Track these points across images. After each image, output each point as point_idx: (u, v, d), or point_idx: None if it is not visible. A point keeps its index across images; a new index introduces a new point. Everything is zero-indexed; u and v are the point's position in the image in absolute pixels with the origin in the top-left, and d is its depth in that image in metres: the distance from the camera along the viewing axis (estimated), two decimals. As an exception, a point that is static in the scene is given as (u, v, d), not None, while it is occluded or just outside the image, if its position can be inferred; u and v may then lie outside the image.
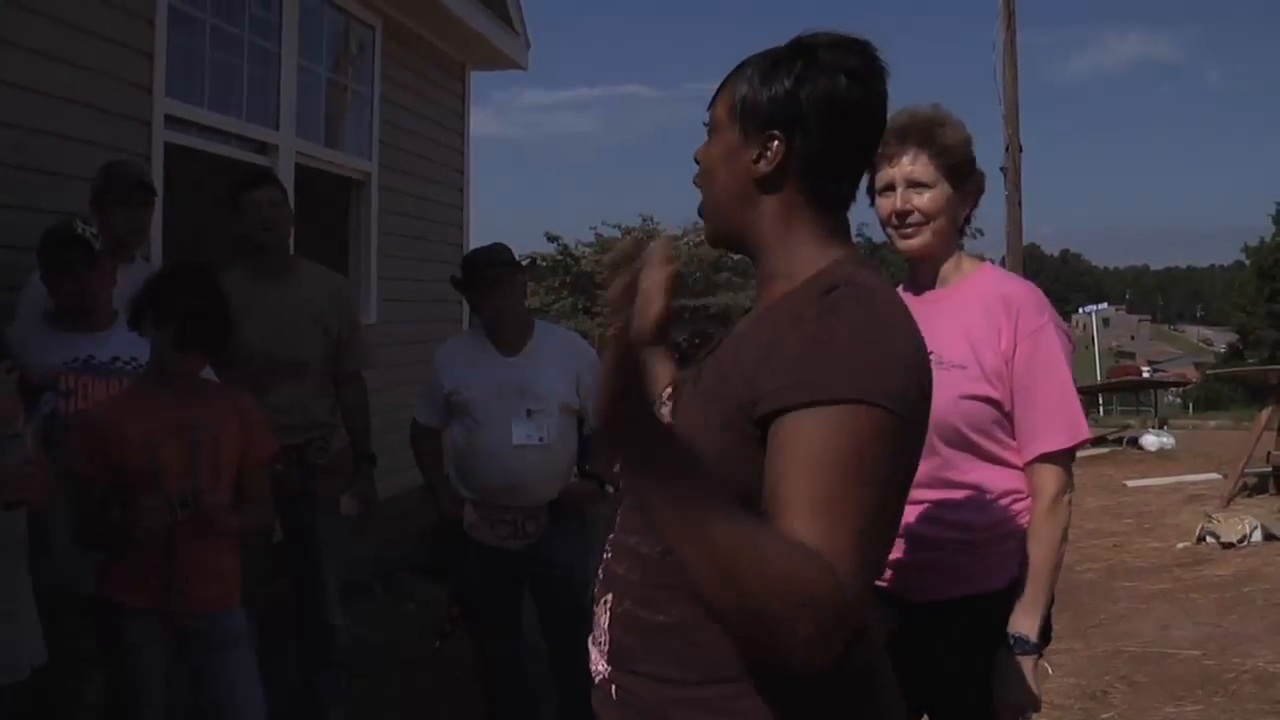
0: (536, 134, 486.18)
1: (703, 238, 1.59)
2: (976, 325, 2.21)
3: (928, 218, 2.25)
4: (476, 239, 7.69)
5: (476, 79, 8.40)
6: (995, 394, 2.19)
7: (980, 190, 2.35)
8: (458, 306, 7.10)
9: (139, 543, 2.66)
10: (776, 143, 1.42)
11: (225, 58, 5.24)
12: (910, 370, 1.29)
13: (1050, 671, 4.63)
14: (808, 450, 1.20)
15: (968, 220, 2.38)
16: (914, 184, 2.25)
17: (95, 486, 2.74)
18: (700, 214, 1.55)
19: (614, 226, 31.31)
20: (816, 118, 1.41)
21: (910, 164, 2.25)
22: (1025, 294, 2.25)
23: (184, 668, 2.85)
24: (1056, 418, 2.18)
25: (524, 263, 3.80)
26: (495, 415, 3.58)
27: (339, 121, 6.51)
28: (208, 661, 2.83)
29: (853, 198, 1.50)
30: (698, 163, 1.53)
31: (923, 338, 1.36)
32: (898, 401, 1.24)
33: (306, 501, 3.91)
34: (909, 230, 2.27)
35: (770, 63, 1.44)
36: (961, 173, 2.28)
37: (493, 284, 3.61)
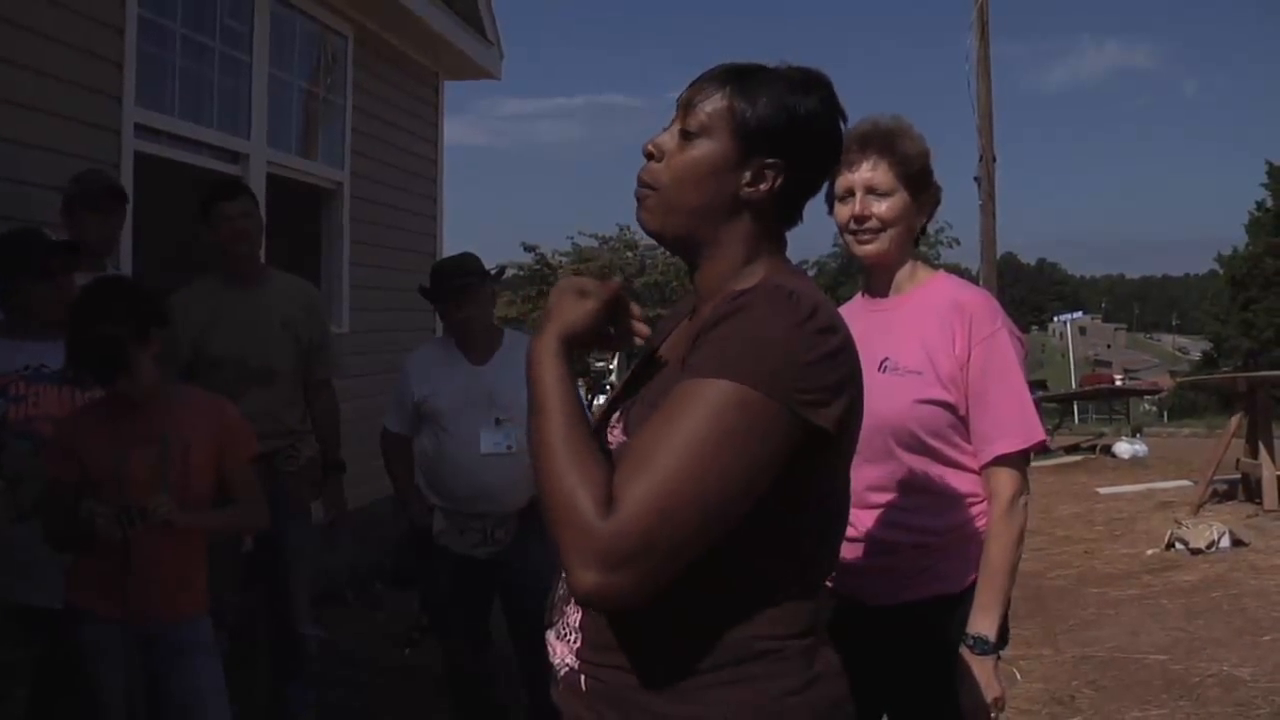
0: (517, 142, 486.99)
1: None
2: (931, 331, 2.24)
3: (885, 224, 2.28)
4: (453, 248, 7.62)
5: (457, 88, 8.43)
6: (950, 398, 2.21)
7: (936, 202, 2.38)
8: (429, 316, 7.07)
9: (94, 550, 2.65)
10: (775, 172, 1.42)
11: (196, 67, 5.24)
12: (801, 359, 1.27)
13: (1019, 677, 4.67)
14: (660, 412, 1.28)
15: (923, 231, 2.42)
16: (873, 191, 2.28)
17: (66, 488, 2.72)
18: (640, 200, 1.47)
19: (591, 236, 31.45)
20: (815, 152, 1.45)
21: (870, 171, 2.27)
22: (979, 301, 2.28)
23: (147, 676, 2.81)
24: (1011, 421, 2.20)
25: (492, 272, 3.82)
26: (463, 424, 3.60)
27: (311, 131, 6.51)
28: (170, 670, 2.80)
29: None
30: (651, 156, 1.47)
31: (850, 339, 1.35)
32: (767, 382, 1.25)
33: (277, 510, 3.89)
34: (866, 236, 2.30)
35: (785, 87, 1.42)
36: (920, 183, 2.31)
37: (460, 293, 3.62)
